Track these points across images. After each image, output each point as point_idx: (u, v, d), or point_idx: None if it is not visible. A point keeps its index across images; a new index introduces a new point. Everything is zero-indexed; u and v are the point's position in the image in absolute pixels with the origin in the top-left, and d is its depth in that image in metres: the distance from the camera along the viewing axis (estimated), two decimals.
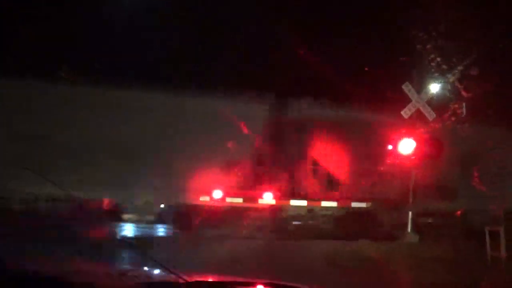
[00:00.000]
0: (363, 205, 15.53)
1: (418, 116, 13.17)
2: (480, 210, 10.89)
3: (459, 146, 12.29)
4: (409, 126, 13.24)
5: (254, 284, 2.92)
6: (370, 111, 14.47)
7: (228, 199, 14.70)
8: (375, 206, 15.52)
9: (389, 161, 13.91)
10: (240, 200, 14.85)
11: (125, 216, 15.20)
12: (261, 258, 10.29)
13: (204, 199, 14.53)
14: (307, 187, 14.87)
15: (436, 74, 12.65)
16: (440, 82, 12.93)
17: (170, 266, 2.97)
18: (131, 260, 3.66)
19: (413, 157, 12.97)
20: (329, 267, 10.25)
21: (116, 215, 14.66)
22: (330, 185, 14.77)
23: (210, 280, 3.23)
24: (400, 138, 13.25)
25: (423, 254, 10.88)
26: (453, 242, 11.68)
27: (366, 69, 13.58)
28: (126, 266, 3.55)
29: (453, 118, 12.32)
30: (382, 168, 14.41)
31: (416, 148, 12.70)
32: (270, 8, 13.71)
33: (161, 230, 14.45)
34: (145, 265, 3.42)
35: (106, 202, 14.08)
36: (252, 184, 14.51)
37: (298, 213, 15.48)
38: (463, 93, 12.31)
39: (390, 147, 13.77)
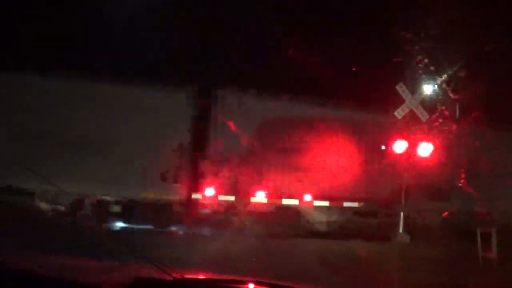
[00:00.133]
0: (354, 205, 15.54)
1: (412, 116, 13.20)
2: (473, 211, 10.91)
3: (452, 147, 12.29)
4: (402, 127, 13.28)
5: (243, 282, 2.90)
6: (363, 111, 14.49)
7: (221, 197, 14.66)
8: (366, 206, 15.53)
9: (381, 161, 13.93)
10: (232, 198, 14.82)
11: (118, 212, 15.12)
12: (253, 256, 10.29)
13: (196, 196, 14.48)
14: (299, 187, 14.83)
15: (430, 75, 12.66)
16: (434, 83, 12.95)
17: (159, 262, 2.94)
18: (121, 256, 3.62)
19: (406, 158, 13.01)
20: (320, 265, 10.25)
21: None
22: (322, 185, 14.74)
23: (198, 277, 3.20)
24: (392, 139, 13.29)
25: (414, 254, 10.89)
26: (444, 243, 11.70)
27: (354, 69, 13.60)
28: (115, 262, 3.51)
29: (446, 119, 12.33)
30: (374, 168, 14.42)
31: (408, 149, 12.73)
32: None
33: (152, 227, 14.37)
34: (134, 261, 3.39)
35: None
36: (244, 183, 14.47)
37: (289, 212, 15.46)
38: (457, 94, 12.32)
39: (382, 147, 13.79)
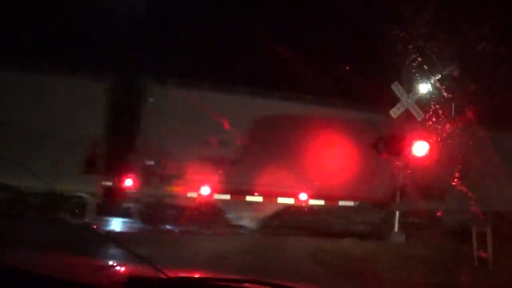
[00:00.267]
0: (350, 203, 15.57)
1: (407, 115, 13.22)
2: (468, 210, 10.91)
3: (447, 146, 12.30)
4: (398, 126, 13.30)
5: (237, 281, 2.87)
6: (358, 110, 14.52)
7: (216, 196, 14.65)
8: (362, 205, 15.57)
9: (376, 160, 13.96)
10: (227, 196, 14.82)
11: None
12: (247, 255, 10.28)
13: (192, 195, 14.47)
14: (295, 186, 14.84)
15: (426, 74, 12.66)
16: (429, 82, 12.95)
17: (153, 261, 2.92)
18: (114, 255, 3.60)
19: (401, 157, 13.03)
20: (313, 265, 10.25)
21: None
22: (317, 184, 14.75)
23: (192, 276, 3.18)
24: (388, 138, 13.31)
25: (409, 254, 10.89)
26: (439, 242, 11.72)
27: (347, 68, 13.61)
28: (108, 261, 3.49)
29: (442, 118, 12.34)
30: (369, 167, 14.44)
31: (404, 148, 12.74)
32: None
33: (145, 225, 14.36)
34: (128, 260, 3.37)
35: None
36: (240, 181, 14.46)
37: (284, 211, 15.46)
38: (452, 93, 12.33)
39: (378, 146, 13.80)
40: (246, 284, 2.85)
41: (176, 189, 14.36)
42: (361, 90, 13.17)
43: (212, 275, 3.13)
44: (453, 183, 11.72)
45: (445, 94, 12.32)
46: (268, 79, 14.81)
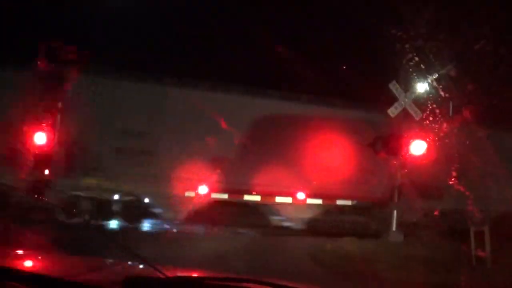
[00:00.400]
0: (348, 203, 15.57)
1: (405, 115, 13.23)
2: (466, 209, 10.91)
3: (445, 145, 12.32)
4: (396, 125, 13.31)
5: (235, 280, 2.86)
6: (356, 109, 14.51)
7: (214, 195, 14.63)
8: (360, 204, 15.56)
9: (374, 159, 13.95)
10: (225, 196, 14.80)
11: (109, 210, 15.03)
12: (246, 254, 10.27)
13: (190, 194, 14.45)
14: (292, 185, 14.83)
15: (423, 73, 12.67)
16: (427, 82, 12.96)
17: (151, 261, 2.91)
18: (112, 254, 3.58)
19: (399, 156, 13.03)
20: (313, 264, 10.25)
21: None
22: (315, 183, 14.74)
23: (191, 275, 3.17)
24: (386, 137, 13.30)
25: (407, 253, 10.89)
26: (437, 241, 11.72)
27: (344, 67, 13.62)
28: (106, 261, 3.47)
29: (440, 117, 12.35)
30: (367, 166, 14.44)
31: (402, 147, 12.74)
32: None
33: (144, 225, 14.36)
34: (126, 260, 3.35)
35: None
36: (238, 180, 14.45)
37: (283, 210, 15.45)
38: (450, 93, 12.34)
39: (376, 145, 13.80)
40: (244, 284, 2.84)
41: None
42: (358, 89, 13.18)
43: (211, 274, 3.12)
44: (451, 182, 11.73)
45: (442, 93, 12.33)
46: (266, 78, 14.80)
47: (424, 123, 12.74)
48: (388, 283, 8.81)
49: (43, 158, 13.28)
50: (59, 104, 13.61)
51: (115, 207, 14.14)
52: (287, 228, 14.92)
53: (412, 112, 13.10)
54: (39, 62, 12.81)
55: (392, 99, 13.27)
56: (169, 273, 2.75)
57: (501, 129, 13.83)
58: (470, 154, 12.52)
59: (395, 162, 13.39)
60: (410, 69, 12.56)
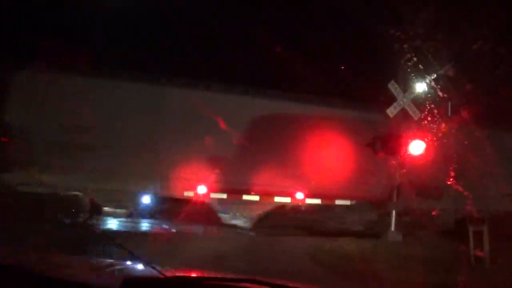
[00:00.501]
0: (347, 202, 15.57)
1: (404, 115, 13.24)
2: (464, 209, 10.92)
3: (444, 145, 12.32)
4: (395, 125, 13.31)
5: (233, 280, 2.87)
6: (355, 109, 14.50)
7: (212, 195, 14.63)
8: (359, 204, 15.57)
9: (373, 159, 13.95)
10: (224, 195, 14.80)
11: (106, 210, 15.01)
12: (245, 254, 10.27)
13: (188, 194, 14.44)
14: (291, 185, 14.83)
15: (422, 73, 12.67)
16: (426, 81, 12.96)
17: (150, 261, 2.91)
18: (111, 255, 3.59)
19: (398, 156, 13.03)
20: (312, 264, 10.26)
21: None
22: (314, 183, 14.74)
23: (189, 275, 3.17)
24: (385, 137, 13.30)
25: (406, 253, 10.90)
26: (436, 241, 11.72)
27: (343, 67, 13.60)
28: (105, 261, 3.47)
29: (438, 117, 12.35)
30: (366, 166, 14.44)
31: (400, 147, 12.75)
32: None
33: (143, 225, 14.36)
34: (125, 260, 3.36)
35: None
36: (237, 180, 14.45)
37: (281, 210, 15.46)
38: (449, 93, 12.34)
39: (375, 145, 13.80)
40: (243, 284, 2.84)
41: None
42: (357, 89, 13.15)
43: (209, 274, 3.13)
44: (450, 182, 11.72)
45: (441, 93, 12.33)
46: (264, 78, 14.76)
47: (423, 123, 12.74)
48: (387, 283, 8.81)
49: None
50: None
51: (55, 203, 13.87)
52: (286, 228, 14.92)
53: (411, 112, 13.11)
54: None
55: (391, 99, 13.27)
56: (168, 273, 2.76)
57: (500, 129, 13.84)
58: (469, 154, 12.51)
59: (394, 162, 13.38)
60: (409, 69, 12.55)
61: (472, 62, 11.97)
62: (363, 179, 14.49)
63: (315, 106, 14.70)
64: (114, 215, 15.00)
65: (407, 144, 12.66)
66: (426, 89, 13.10)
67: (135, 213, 14.86)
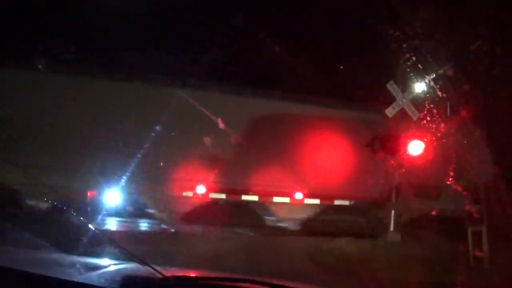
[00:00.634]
0: (346, 202, 15.57)
1: (403, 115, 13.24)
2: (463, 209, 10.93)
3: (443, 145, 12.32)
4: (393, 125, 13.31)
5: (233, 279, 2.86)
6: (353, 109, 14.50)
7: (211, 195, 14.63)
8: (357, 204, 15.56)
9: (372, 159, 13.95)
10: (223, 195, 14.80)
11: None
12: (243, 254, 10.27)
13: (187, 194, 14.44)
14: (289, 185, 14.83)
15: (421, 73, 12.67)
16: (425, 81, 12.96)
17: (148, 260, 2.90)
18: (109, 254, 3.58)
19: (397, 156, 13.04)
20: (311, 264, 10.26)
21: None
22: (313, 183, 14.73)
23: (188, 275, 3.16)
24: (384, 137, 13.30)
25: (405, 253, 10.91)
26: (435, 241, 11.73)
27: (342, 67, 13.60)
28: (103, 260, 3.47)
29: (437, 117, 12.35)
30: (365, 166, 14.43)
31: (400, 147, 12.75)
32: None
33: (140, 225, 14.33)
34: (123, 260, 3.35)
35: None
36: (236, 180, 14.45)
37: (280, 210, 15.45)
38: (448, 93, 12.34)
39: (373, 145, 13.80)
40: (242, 284, 2.84)
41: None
42: (356, 89, 13.16)
43: (208, 274, 3.12)
44: (449, 182, 11.73)
45: (440, 93, 12.33)
46: (262, 78, 14.74)
47: (422, 123, 12.75)
48: (386, 283, 8.81)
49: None
50: None
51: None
52: (284, 228, 14.92)
53: (409, 112, 13.11)
54: None
55: (389, 99, 13.27)
56: (167, 273, 2.75)
57: (500, 129, 13.84)
58: (468, 154, 12.52)
59: (393, 162, 13.39)
60: (408, 69, 12.56)
61: (471, 62, 11.97)
62: (362, 179, 14.49)
63: (313, 106, 14.69)
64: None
65: (406, 144, 12.66)
66: (425, 89, 13.10)
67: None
